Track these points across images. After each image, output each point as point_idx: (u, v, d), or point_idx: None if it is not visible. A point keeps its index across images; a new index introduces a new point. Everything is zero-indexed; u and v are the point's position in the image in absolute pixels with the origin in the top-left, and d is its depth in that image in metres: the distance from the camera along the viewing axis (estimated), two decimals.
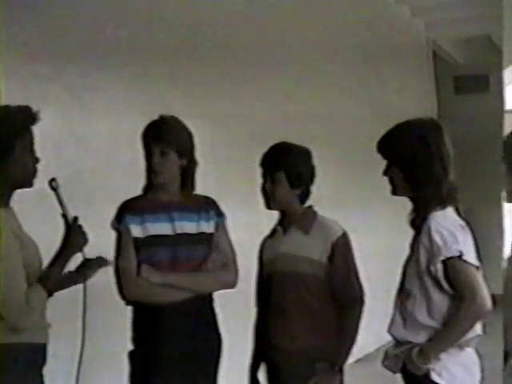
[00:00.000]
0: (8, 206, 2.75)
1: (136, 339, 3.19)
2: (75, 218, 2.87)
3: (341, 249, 3.21)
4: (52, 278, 2.76)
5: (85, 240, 2.87)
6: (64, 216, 2.88)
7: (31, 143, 2.76)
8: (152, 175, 3.17)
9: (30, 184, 2.78)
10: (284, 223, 3.33)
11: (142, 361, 3.13)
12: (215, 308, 3.27)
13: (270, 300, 3.31)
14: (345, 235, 3.26)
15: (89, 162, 4.23)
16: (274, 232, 3.38)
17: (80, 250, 2.86)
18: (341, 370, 3.23)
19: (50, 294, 2.82)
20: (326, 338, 3.18)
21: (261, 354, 3.38)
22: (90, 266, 2.94)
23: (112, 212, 3.24)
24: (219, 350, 3.25)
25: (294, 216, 3.30)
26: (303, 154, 3.32)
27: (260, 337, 3.38)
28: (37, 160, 2.78)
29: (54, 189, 2.87)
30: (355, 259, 3.28)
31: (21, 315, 2.64)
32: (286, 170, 3.24)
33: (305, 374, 3.15)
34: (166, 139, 3.14)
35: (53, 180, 2.87)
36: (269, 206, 3.32)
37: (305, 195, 3.33)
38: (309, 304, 3.21)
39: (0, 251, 2.60)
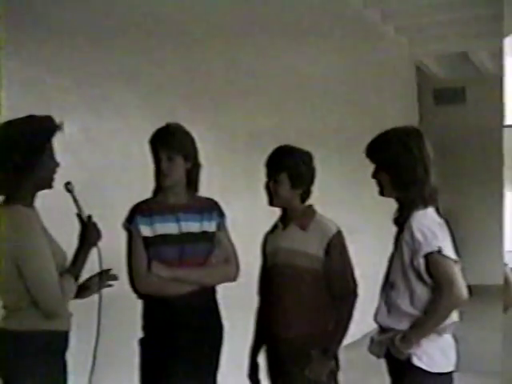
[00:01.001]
0: (32, 205, 2.76)
1: (146, 328, 3.19)
2: (89, 217, 2.87)
3: (336, 245, 3.19)
4: (78, 270, 2.79)
5: (99, 236, 2.88)
6: (79, 215, 2.88)
7: (52, 149, 2.77)
8: (161, 178, 3.17)
9: (50, 186, 2.79)
10: (285, 220, 3.31)
11: (153, 347, 3.13)
12: (217, 298, 3.27)
13: (270, 290, 3.29)
14: (340, 233, 3.23)
15: (103, 165, 4.23)
16: (275, 227, 3.37)
17: (95, 244, 2.86)
18: (335, 357, 3.21)
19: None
20: (320, 327, 3.15)
21: (261, 340, 3.36)
22: (103, 279, 2.95)
23: (125, 211, 3.24)
24: (221, 336, 3.25)
25: (294, 213, 3.27)
26: (305, 157, 3.28)
27: (260, 324, 3.36)
28: (57, 164, 2.79)
29: (70, 191, 2.87)
30: (349, 255, 3.25)
31: (57, 301, 2.67)
32: (288, 171, 3.21)
33: (301, 360, 3.12)
34: (172, 145, 3.14)
35: (68, 183, 2.87)
36: (272, 204, 3.30)
37: (306, 194, 3.30)
38: (305, 295, 3.17)
39: (33, 245, 2.63)
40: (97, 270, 2.91)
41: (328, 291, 3.19)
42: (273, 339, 3.26)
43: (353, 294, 3.21)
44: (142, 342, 3.19)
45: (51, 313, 2.66)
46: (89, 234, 2.85)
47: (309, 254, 3.18)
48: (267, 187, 3.28)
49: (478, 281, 10.69)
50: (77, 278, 2.79)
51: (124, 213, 3.23)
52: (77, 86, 4.01)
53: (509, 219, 9.52)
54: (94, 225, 2.87)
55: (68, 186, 2.86)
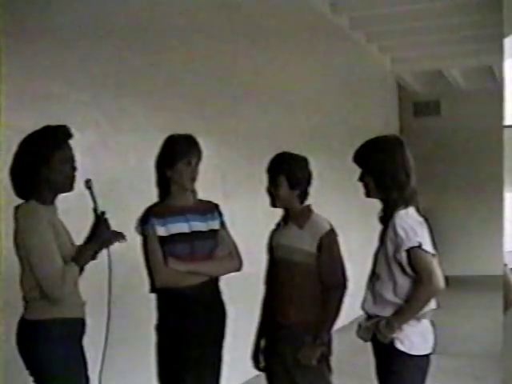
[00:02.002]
0: (52, 204, 2.76)
1: (162, 316, 3.19)
2: (103, 213, 2.86)
3: (327, 241, 3.16)
4: (83, 258, 2.76)
5: (109, 231, 2.85)
6: (95, 210, 2.87)
7: (70, 155, 2.77)
8: (190, 182, 3.18)
9: (69, 189, 2.79)
10: (286, 219, 3.29)
11: (169, 332, 3.14)
12: (221, 287, 3.28)
13: (272, 281, 3.29)
14: (332, 230, 3.21)
15: (119, 172, 4.23)
16: (278, 226, 3.36)
17: (103, 238, 2.83)
18: (328, 342, 3.18)
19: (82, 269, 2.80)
20: (313, 315, 3.13)
21: (265, 325, 3.35)
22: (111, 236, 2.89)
23: (137, 212, 3.22)
24: (225, 318, 3.27)
25: (293, 213, 3.26)
26: (300, 161, 3.28)
27: (264, 311, 3.36)
28: (74, 169, 2.79)
29: (89, 187, 2.87)
30: (340, 250, 3.22)
31: (56, 286, 2.63)
32: (286, 173, 3.21)
33: (295, 344, 3.12)
34: (199, 152, 3.20)
35: (88, 180, 2.88)
36: (273, 205, 3.29)
37: (303, 195, 3.28)
38: (300, 287, 3.16)
39: (36, 236, 2.63)
40: (105, 267, 2.88)
41: (319, 283, 3.17)
42: (272, 324, 3.26)
43: (342, 286, 3.17)
44: (158, 328, 3.19)
45: (53, 298, 2.64)
46: (100, 228, 2.83)
47: (304, 251, 3.17)
48: (269, 190, 3.28)
49: (477, 272, 10.78)
50: (82, 267, 2.75)
51: (136, 214, 3.22)
52: (96, 100, 4.01)
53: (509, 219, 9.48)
54: (106, 220, 2.85)
55: (88, 183, 2.87)
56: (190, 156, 3.16)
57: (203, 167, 3.27)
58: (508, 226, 9.34)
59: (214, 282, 3.22)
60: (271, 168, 3.28)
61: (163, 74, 4.65)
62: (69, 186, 2.78)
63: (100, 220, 2.84)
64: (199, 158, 3.20)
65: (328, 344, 3.19)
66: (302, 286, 3.16)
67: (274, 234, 3.37)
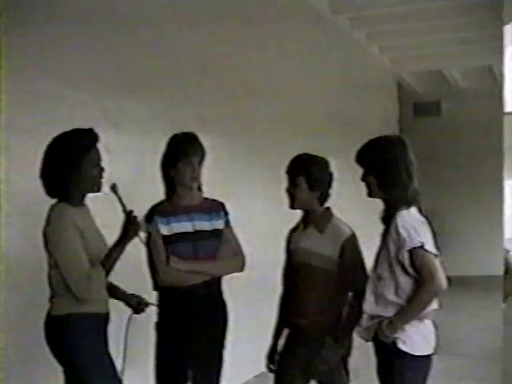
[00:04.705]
0: (82, 205, 2.84)
1: (162, 314, 3.19)
2: (130, 211, 2.91)
3: (349, 247, 3.14)
4: (111, 260, 2.84)
5: (139, 226, 2.93)
6: (124, 211, 2.91)
7: (98, 158, 2.85)
8: (191, 181, 3.18)
9: (98, 190, 2.88)
10: (306, 221, 3.26)
11: (170, 330, 3.15)
12: (223, 286, 3.29)
13: (290, 282, 3.29)
14: (353, 235, 3.19)
15: (119, 172, 4.21)
16: (297, 226, 3.33)
17: (136, 234, 2.91)
18: (348, 345, 3.15)
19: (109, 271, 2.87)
20: (331, 317, 3.12)
21: (282, 324, 3.34)
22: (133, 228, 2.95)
23: (138, 211, 3.21)
24: (226, 318, 3.27)
25: (313, 215, 3.22)
26: (321, 162, 3.25)
27: (282, 311, 3.35)
28: (102, 170, 2.85)
29: (115, 191, 2.92)
30: (362, 255, 3.19)
31: (82, 287, 2.72)
32: (305, 174, 3.17)
33: (313, 344, 3.11)
34: (201, 150, 3.19)
35: (114, 185, 2.93)
36: (292, 206, 3.25)
37: (323, 197, 3.24)
38: (318, 290, 3.14)
39: (62, 237, 2.72)
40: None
41: (340, 287, 3.15)
42: (290, 326, 3.27)
43: (363, 291, 3.07)
44: (158, 327, 3.20)
45: (80, 297, 2.73)
46: (131, 227, 2.88)
47: (323, 256, 3.14)
48: (288, 192, 3.24)
49: (477, 272, 10.77)
50: (111, 268, 2.83)
51: (137, 212, 3.21)
52: (96, 100, 4.01)
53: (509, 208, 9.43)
54: (134, 217, 2.90)
55: (114, 188, 2.93)
56: (190, 155, 3.15)
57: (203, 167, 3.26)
58: (508, 213, 9.34)
59: (216, 282, 3.22)
60: (291, 169, 3.24)
61: (164, 73, 4.65)
62: (97, 188, 2.86)
63: (130, 219, 2.88)
64: (201, 156, 3.20)
65: (348, 347, 3.17)
66: (320, 289, 3.14)
67: (292, 235, 3.34)
